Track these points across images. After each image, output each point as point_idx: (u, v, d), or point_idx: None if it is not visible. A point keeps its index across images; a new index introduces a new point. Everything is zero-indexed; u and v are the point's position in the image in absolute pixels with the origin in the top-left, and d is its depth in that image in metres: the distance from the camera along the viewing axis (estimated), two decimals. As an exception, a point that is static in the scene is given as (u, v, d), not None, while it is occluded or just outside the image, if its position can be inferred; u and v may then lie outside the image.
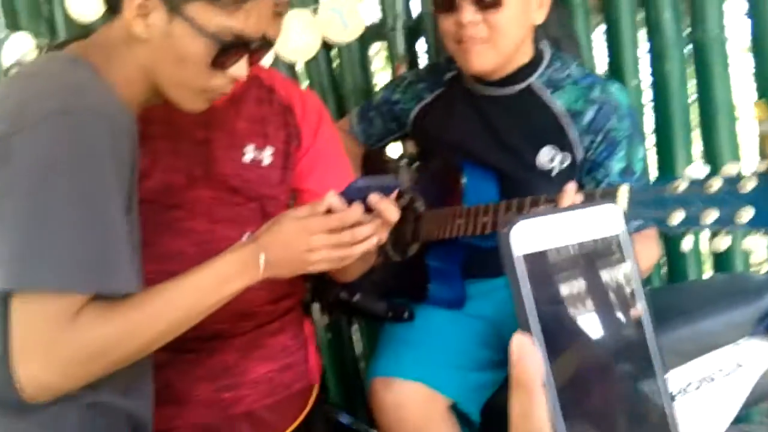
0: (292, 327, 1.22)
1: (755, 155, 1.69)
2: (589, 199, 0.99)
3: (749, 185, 0.83)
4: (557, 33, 1.72)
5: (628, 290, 0.40)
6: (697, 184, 0.88)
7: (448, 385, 1.27)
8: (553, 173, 1.28)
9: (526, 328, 0.37)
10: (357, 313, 1.40)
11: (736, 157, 1.71)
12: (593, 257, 0.40)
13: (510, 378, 0.37)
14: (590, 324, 0.39)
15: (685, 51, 1.73)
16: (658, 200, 0.92)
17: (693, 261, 1.71)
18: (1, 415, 0.88)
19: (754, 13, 1.68)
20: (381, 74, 2.22)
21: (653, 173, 1.81)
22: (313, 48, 1.76)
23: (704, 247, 1.69)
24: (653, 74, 1.78)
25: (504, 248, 0.38)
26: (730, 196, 0.85)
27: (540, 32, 1.68)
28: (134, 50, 0.90)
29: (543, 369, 0.37)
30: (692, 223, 0.88)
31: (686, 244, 0.98)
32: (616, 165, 1.26)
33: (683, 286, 1.66)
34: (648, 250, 1.24)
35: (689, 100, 1.75)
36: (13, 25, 2.03)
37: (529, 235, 0.38)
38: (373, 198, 0.94)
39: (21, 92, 0.87)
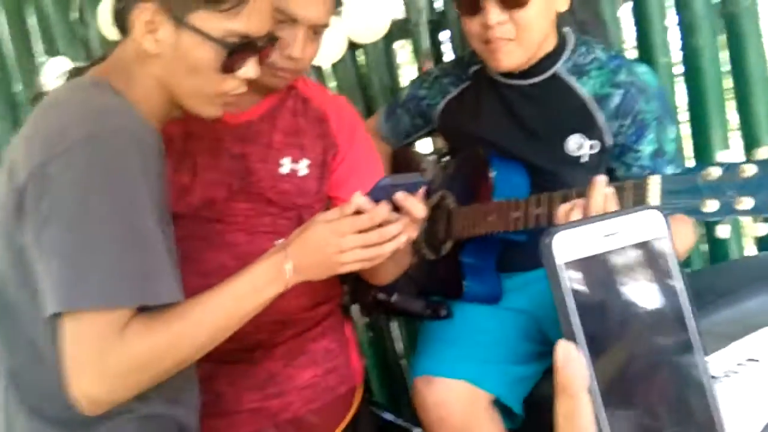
0: (333, 331, 1.25)
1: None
2: (620, 192, 0.98)
3: (784, 169, 0.81)
4: (583, 15, 1.69)
5: (670, 293, 0.41)
6: (730, 170, 0.86)
7: (489, 380, 1.27)
8: (582, 160, 1.27)
9: (570, 335, 0.39)
10: (396, 312, 1.42)
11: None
12: (635, 262, 0.41)
13: (555, 383, 0.39)
14: (633, 327, 0.40)
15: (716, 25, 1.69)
16: (690, 189, 0.90)
17: (734, 241, 1.67)
18: None
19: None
20: (407, 70, 2.22)
21: (688, 150, 1.78)
22: (339, 50, 1.77)
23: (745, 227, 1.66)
24: (683, 49, 1.74)
25: (546, 257, 0.39)
26: (765, 181, 0.83)
27: (565, 15, 1.66)
28: (148, 67, 0.93)
29: (587, 375, 0.38)
30: (727, 211, 0.86)
31: (722, 231, 0.96)
32: (647, 148, 1.24)
33: (723, 267, 1.62)
34: (684, 234, 1.22)
35: (722, 74, 1.71)
36: (52, 51, 2.10)
37: (570, 244, 0.40)
38: (399, 196, 0.96)
39: (50, 123, 0.90)
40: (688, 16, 1.69)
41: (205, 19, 0.90)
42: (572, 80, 1.28)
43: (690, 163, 1.77)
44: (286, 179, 1.14)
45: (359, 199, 0.94)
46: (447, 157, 1.55)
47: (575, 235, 0.40)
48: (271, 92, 1.16)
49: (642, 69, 1.26)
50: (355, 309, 1.41)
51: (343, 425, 1.22)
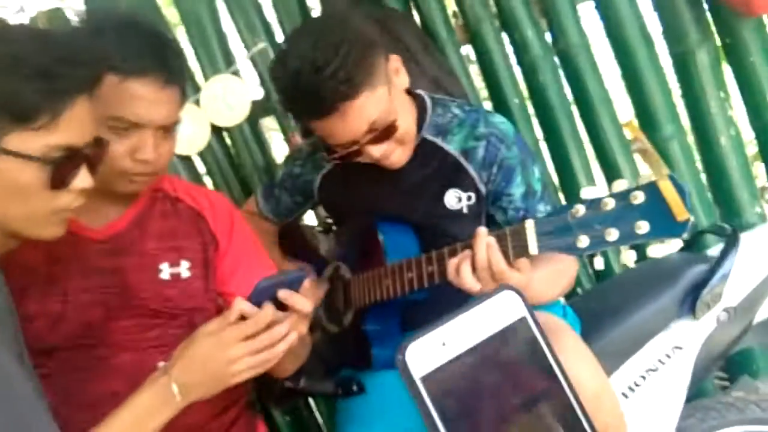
0: (246, 432, 1.19)
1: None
2: (501, 240, 1.02)
3: (638, 199, 0.87)
4: (436, 72, 1.78)
5: (540, 366, 0.42)
6: (593, 206, 0.92)
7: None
8: (464, 212, 1.31)
9: None
10: (307, 396, 1.38)
11: (624, 149, 1.81)
12: (499, 346, 0.42)
13: None
14: (507, 410, 0.41)
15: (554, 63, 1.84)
16: (562, 228, 0.95)
17: (614, 255, 1.80)
18: None
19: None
20: (278, 144, 2.22)
21: (555, 181, 1.90)
22: (203, 138, 1.74)
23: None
24: (529, 88, 1.87)
25: (403, 372, 0.39)
26: (625, 212, 0.89)
27: (420, 77, 1.73)
28: None
29: None
30: (598, 244, 0.92)
31: (598, 263, 1.02)
32: (517, 190, 1.30)
33: (606, 286, 1.73)
34: (565, 269, 1.27)
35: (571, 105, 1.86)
36: None
37: (427, 352, 0.39)
38: (283, 294, 0.92)
39: None
40: (528, 58, 1.83)
41: (19, 141, 0.83)
42: (438, 140, 1.32)
43: (560, 195, 1.89)
44: (170, 285, 1.09)
45: (241, 305, 0.90)
46: (333, 228, 1.55)
47: (431, 341, 0.40)
48: (133, 199, 1.11)
49: (497, 119, 1.33)
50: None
51: None
